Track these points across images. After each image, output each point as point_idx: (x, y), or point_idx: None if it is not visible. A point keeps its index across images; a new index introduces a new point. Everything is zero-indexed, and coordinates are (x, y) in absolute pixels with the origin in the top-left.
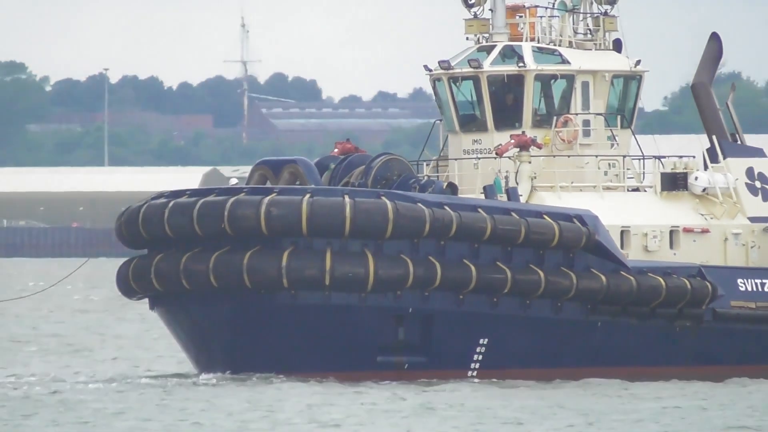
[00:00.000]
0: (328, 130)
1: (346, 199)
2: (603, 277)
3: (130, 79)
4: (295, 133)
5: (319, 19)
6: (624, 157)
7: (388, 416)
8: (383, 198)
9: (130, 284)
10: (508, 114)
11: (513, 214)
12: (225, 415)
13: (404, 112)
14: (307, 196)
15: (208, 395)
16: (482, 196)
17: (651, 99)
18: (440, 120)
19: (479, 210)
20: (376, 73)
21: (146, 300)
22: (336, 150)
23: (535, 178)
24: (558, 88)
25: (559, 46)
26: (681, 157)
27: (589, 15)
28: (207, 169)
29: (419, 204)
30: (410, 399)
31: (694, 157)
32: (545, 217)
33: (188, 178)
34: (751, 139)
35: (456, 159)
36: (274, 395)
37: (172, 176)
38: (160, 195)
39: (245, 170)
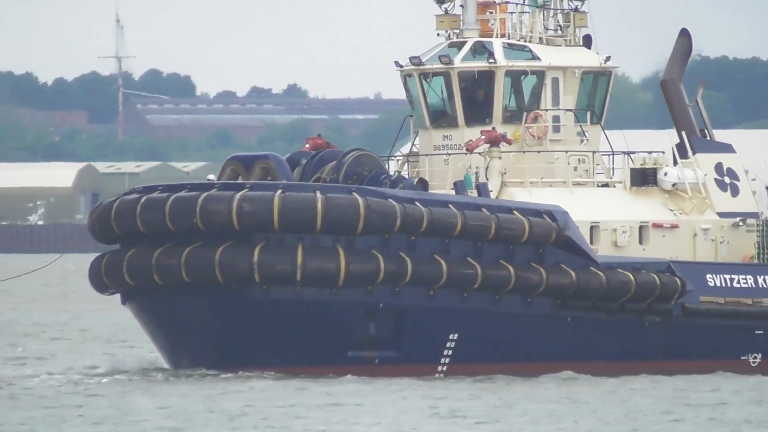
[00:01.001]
0: (203, 126)
1: (318, 194)
2: (573, 273)
3: (4, 75)
4: (170, 129)
5: (194, 14)
6: (594, 152)
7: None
8: (354, 194)
9: (102, 279)
10: (478, 110)
11: (483, 209)
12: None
13: (279, 108)
14: (279, 191)
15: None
16: (453, 192)
17: None
18: (411, 116)
19: (450, 206)
20: (250, 69)
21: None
22: (307, 145)
23: (506, 173)
24: (528, 84)
25: (530, 42)
26: (650, 152)
27: (559, 11)
28: (81, 165)
29: (390, 200)
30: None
31: (663, 152)
32: (515, 212)
33: (63, 174)
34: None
35: (426, 155)
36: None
37: (47, 172)
38: (132, 190)
39: (120, 166)
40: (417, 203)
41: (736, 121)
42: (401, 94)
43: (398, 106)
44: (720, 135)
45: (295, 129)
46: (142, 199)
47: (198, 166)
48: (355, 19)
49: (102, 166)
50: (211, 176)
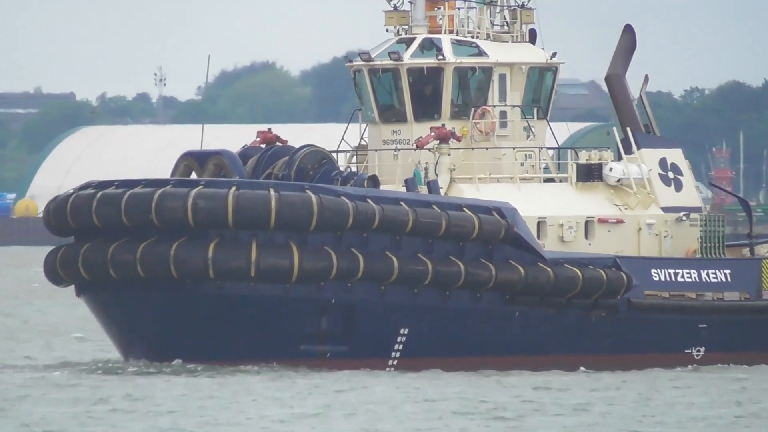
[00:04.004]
0: None
1: (272, 192)
2: (521, 269)
3: None
4: None
5: None
6: (540, 148)
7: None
8: (308, 191)
9: (57, 272)
10: (427, 105)
11: (434, 207)
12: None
13: None
14: (233, 188)
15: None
16: (402, 188)
17: (184, 89)
18: (359, 109)
19: (401, 203)
20: None
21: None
22: (258, 139)
23: (454, 169)
24: (475, 79)
25: (477, 38)
26: (596, 148)
27: (506, 8)
28: None
29: (343, 197)
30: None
31: (608, 148)
32: (465, 209)
33: None
34: None
35: (376, 150)
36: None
37: None
38: (88, 185)
39: None
40: (369, 200)
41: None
42: (62, 89)
43: (57, 101)
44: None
45: None
46: (98, 195)
47: None
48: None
49: None
50: None
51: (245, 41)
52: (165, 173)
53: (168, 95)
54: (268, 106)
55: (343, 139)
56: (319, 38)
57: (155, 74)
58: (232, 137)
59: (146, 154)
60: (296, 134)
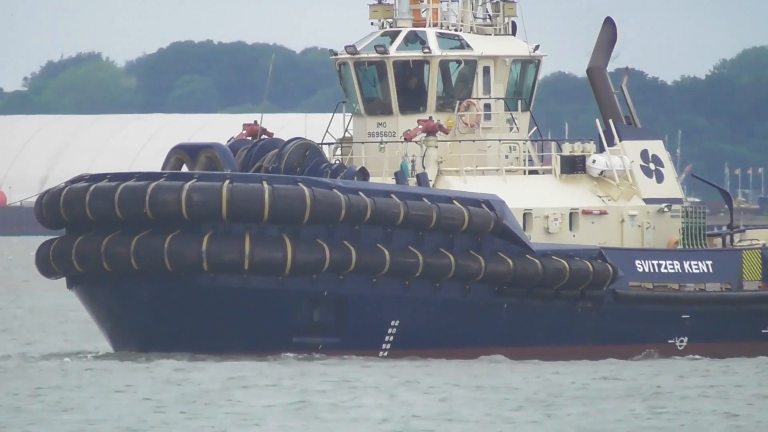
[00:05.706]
0: None
1: (265, 185)
2: (510, 261)
3: None
4: None
5: None
6: (525, 141)
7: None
8: (300, 184)
9: (50, 264)
10: (412, 98)
11: (424, 199)
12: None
13: None
14: (227, 182)
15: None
16: (390, 180)
17: (9, 80)
18: (343, 102)
19: (392, 196)
20: None
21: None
22: (244, 132)
23: (441, 162)
24: (458, 72)
25: (460, 31)
26: (579, 140)
27: (488, 1)
28: None
29: (335, 190)
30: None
31: (591, 140)
32: (455, 202)
33: None
34: None
35: (362, 142)
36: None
37: None
38: (80, 178)
39: None
40: (361, 193)
41: (221, 105)
42: None
43: None
44: (204, 119)
45: None
46: (91, 188)
47: None
48: None
49: None
50: None
51: (71, 32)
52: None
53: None
54: (94, 96)
55: (327, 131)
56: (145, 29)
57: None
58: (59, 127)
59: None
60: (123, 124)
